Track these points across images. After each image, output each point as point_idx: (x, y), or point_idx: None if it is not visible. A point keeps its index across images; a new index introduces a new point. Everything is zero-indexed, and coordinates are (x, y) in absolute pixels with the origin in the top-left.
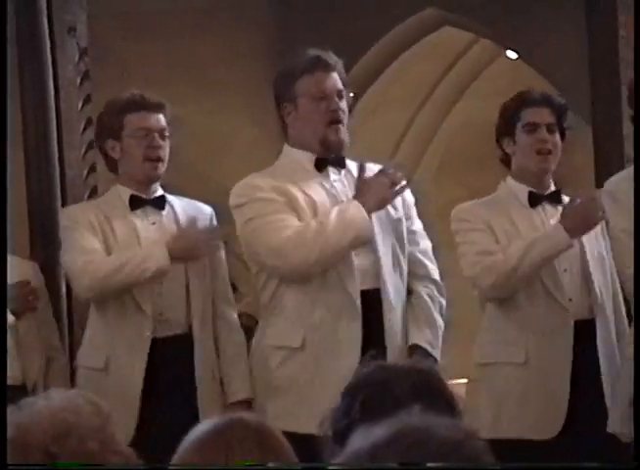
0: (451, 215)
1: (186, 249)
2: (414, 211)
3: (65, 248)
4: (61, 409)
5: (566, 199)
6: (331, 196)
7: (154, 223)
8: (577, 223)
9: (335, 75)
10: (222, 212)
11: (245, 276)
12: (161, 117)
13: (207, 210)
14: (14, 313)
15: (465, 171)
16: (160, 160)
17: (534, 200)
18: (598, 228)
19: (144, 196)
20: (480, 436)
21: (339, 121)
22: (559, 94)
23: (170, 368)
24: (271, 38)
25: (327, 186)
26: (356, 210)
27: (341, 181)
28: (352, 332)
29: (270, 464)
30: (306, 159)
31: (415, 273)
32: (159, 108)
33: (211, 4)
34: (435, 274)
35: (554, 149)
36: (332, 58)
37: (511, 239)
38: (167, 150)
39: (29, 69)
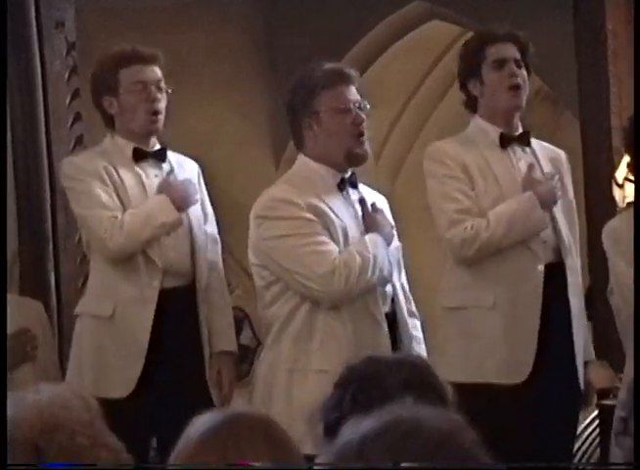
0: (425, 154)
1: (183, 198)
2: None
3: (79, 201)
4: (49, 404)
5: (534, 141)
6: (354, 218)
7: (156, 176)
8: (544, 196)
9: (354, 87)
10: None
11: (234, 270)
12: (156, 69)
13: (194, 164)
14: (10, 365)
15: None
16: (158, 112)
17: (505, 141)
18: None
19: (145, 148)
20: (469, 427)
21: (363, 134)
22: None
23: (176, 318)
24: (257, 34)
25: (350, 208)
26: (384, 251)
27: (357, 202)
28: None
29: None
30: (329, 175)
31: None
32: (152, 59)
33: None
34: (414, 307)
35: (523, 84)
36: (349, 69)
37: (487, 182)
38: (165, 102)
39: (17, 64)
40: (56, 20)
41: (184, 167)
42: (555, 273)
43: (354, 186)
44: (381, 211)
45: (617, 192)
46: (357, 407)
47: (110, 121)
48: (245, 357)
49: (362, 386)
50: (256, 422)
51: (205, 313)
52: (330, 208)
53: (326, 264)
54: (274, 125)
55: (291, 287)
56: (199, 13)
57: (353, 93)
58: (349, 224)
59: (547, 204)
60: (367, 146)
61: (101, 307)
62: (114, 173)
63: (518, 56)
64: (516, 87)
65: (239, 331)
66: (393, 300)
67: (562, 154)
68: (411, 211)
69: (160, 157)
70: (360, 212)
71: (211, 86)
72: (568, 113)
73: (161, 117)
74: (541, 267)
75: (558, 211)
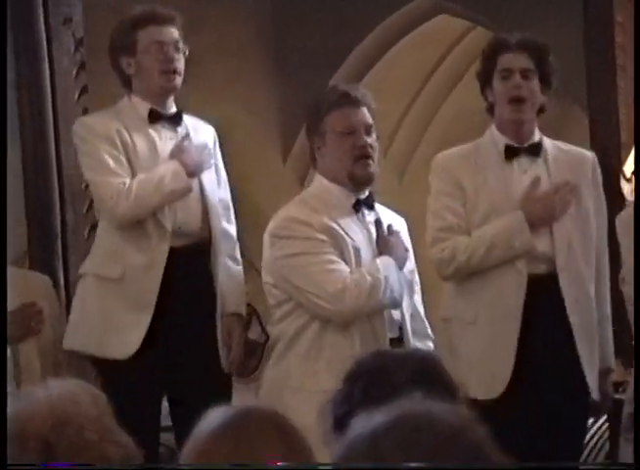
0: (431, 163)
1: (196, 163)
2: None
3: (87, 165)
4: (59, 399)
5: (549, 146)
6: (368, 240)
7: (171, 139)
8: (539, 215)
9: (363, 110)
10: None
11: (242, 266)
12: (174, 29)
13: (210, 128)
14: (13, 338)
15: None
16: (175, 72)
17: (510, 153)
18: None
19: (162, 111)
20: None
21: (366, 156)
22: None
23: (186, 277)
24: (264, 29)
25: (364, 229)
26: (396, 273)
27: (372, 223)
28: None
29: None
30: (342, 195)
31: (415, 330)
32: (170, 20)
33: None
34: (429, 330)
35: (529, 96)
36: (360, 92)
37: (479, 198)
38: (182, 61)
39: (25, 60)
40: (64, 16)
41: (200, 132)
42: (547, 283)
43: (371, 207)
44: (396, 234)
45: (625, 186)
46: (366, 402)
47: (127, 82)
48: (253, 352)
49: (370, 380)
50: (268, 417)
51: (218, 275)
52: (343, 229)
53: (337, 283)
54: (281, 121)
55: (302, 305)
56: (206, 8)
57: (360, 115)
58: (362, 246)
59: (542, 222)
60: (372, 167)
61: (108, 269)
62: (127, 136)
63: (528, 66)
64: (517, 100)
65: (247, 326)
66: (401, 326)
67: (588, 157)
68: (418, 207)
69: (175, 120)
70: (375, 234)
71: (218, 82)
72: (576, 107)
73: (179, 76)
74: (523, 282)
75: (563, 221)
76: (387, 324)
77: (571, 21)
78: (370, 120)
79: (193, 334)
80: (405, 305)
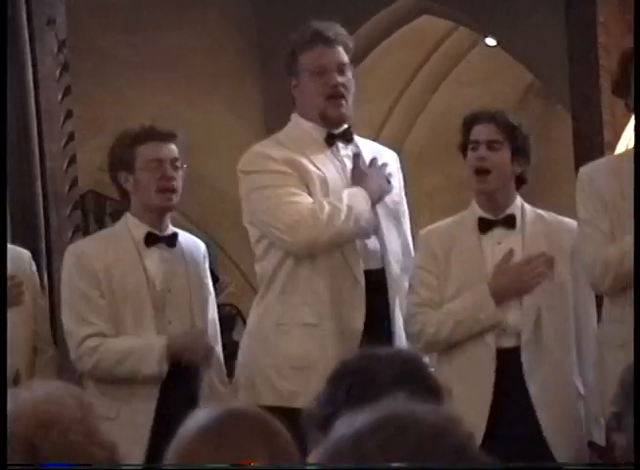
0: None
1: (187, 350)
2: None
3: (65, 304)
4: (43, 401)
5: (529, 217)
6: (341, 172)
7: (165, 261)
8: (506, 288)
9: (338, 49)
10: (210, 212)
11: (228, 267)
12: (173, 147)
13: (202, 246)
14: None
15: (445, 159)
16: (173, 190)
17: (484, 225)
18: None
19: (157, 233)
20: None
21: (338, 96)
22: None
23: (175, 397)
24: (252, 32)
25: (337, 162)
26: (364, 203)
27: (348, 157)
28: (357, 313)
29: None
30: (316, 131)
31: (405, 265)
32: (169, 137)
33: None
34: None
35: (494, 167)
36: (333, 31)
37: (452, 270)
38: (180, 180)
39: (8, 61)
40: (47, 17)
41: (192, 251)
42: (519, 358)
43: (348, 141)
44: (378, 167)
45: None
46: (350, 402)
47: (125, 195)
48: (237, 354)
49: (355, 381)
50: (253, 417)
51: (205, 396)
52: (310, 161)
53: (293, 214)
54: (268, 124)
55: (271, 240)
56: (193, 11)
57: (334, 54)
58: (332, 177)
59: (509, 295)
60: (344, 108)
61: (105, 409)
62: (115, 265)
63: (496, 137)
64: (481, 171)
65: (232, 327)
66: (383, 257)
67: (570, 228)
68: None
69: (170, 242)
70: (348, 167)
71: (205, 85)
72: (560, 107)
73: (176, 194)
74: (493, 356)
75: (535, 293)
76: (361, 254)
77: (553, 21)
78: (344, 60)
79: None
80: (389, 236)
